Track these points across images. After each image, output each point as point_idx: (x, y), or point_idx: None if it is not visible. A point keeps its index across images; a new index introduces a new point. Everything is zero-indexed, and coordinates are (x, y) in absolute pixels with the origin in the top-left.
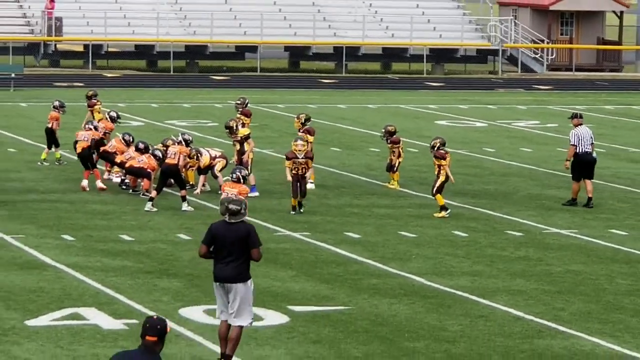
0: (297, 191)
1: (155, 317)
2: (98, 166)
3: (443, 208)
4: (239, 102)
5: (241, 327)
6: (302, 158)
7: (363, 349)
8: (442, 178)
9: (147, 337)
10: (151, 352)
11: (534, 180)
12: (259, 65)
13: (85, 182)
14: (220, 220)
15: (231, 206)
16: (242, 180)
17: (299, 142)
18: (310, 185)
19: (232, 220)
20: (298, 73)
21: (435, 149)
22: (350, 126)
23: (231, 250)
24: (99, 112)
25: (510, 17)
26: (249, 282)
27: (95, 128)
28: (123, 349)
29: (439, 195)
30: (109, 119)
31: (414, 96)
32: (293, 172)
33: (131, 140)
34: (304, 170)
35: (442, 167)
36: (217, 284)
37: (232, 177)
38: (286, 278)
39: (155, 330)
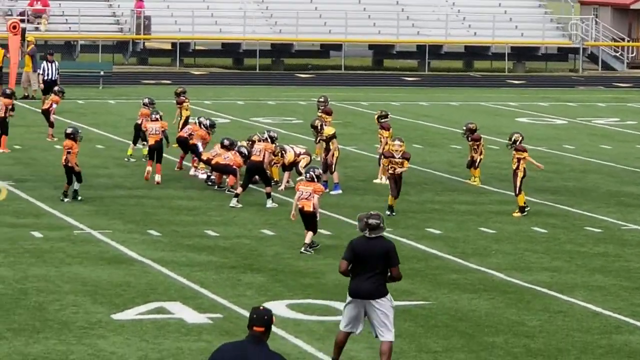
0: (395, 190)
1: (261, 307)
2: (185, 162)
3: (522, 209)
4: (320, 100)
5: (391, 342)
6: (399, 158)
7: (443, 343)
8: (520, 174)
9: (255, 328)
10: (259, 342)
11: (613, 177)
12: (343, 63)
13: (149, 169)
14: (360, 236)
15: (371, 221)
16: (315, 179)
17: (397, 142)
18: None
19: (372, 235)
20: (382, 71)
21: (518, 142)
22: (432, 123)
23: (372, 266)
24: (187, 109)
25: (591, 16)
26: (389, 295)
27: (161, 117)
28: (207, 342)
29: (521, 195)
30: (197, 124)
31: (495, 94)
32: (390, 171)
33: (229, 144)
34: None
35: (521, 162)
36: (354, 299)
37: (306, 177)
38: None
39: (262, 320)
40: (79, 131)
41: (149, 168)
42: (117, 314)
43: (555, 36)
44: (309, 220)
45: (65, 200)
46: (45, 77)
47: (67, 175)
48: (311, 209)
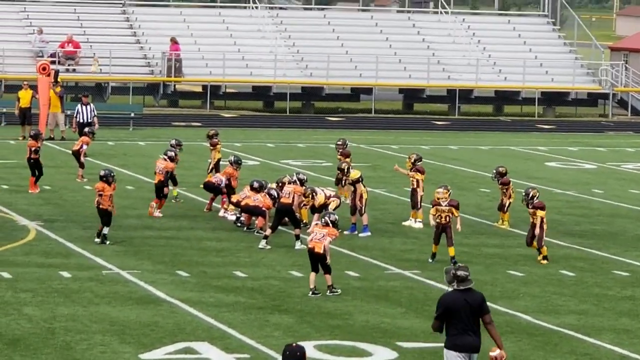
0: (438, 239)
1: (294, 344)
2: (214, 204)
3: (545, 257)
4: (339, 142)
5: None
6: (446, 206)
7: None
8: (540, 228)
9: None
10: None
11: None
12: (373, 106)
13: (157, 213)
14: (450, 291)
15: (460, 272)
16: (330, 224)
17: (441, 189)
18: (418, 225)
19: (462, 287)
20: (412, 115)
21: (536, 198)
22: (461, 167)
23: (470, 319)
24: (219, 152)
25: (621, 62)
26: None
27: (171, 159)
28: None
29: (544, 247)
30: (232, 165)
31: (525, 138)
32: (437, 220)
33: (259, 186)
34: (447, 218)
35: (542, 219)
36: (461, 353)
37: (321, 221)
38: (396, 315)
39: (295, 357)
40: (112, 173)
41: (152, 204)
42: (144, 353)
43: (585, 82)
44: (319, 261)
45: (96, 240)
46: (80, 120)
47: (100, 217)
48: (321, 251)
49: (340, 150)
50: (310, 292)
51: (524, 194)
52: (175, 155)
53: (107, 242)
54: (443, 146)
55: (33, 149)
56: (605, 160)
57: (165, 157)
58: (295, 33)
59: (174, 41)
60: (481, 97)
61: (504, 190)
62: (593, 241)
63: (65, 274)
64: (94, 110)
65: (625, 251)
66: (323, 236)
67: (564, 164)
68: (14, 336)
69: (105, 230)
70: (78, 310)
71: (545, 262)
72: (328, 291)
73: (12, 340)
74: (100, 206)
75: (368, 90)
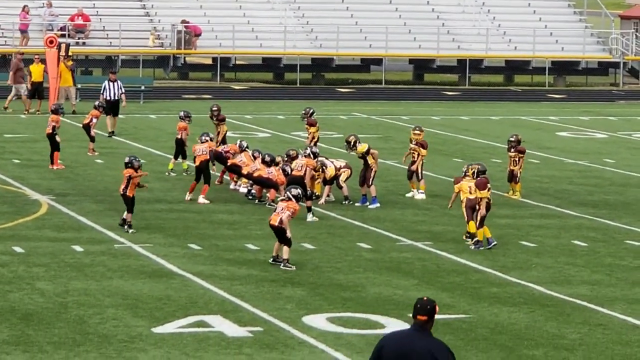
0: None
1: (425, 298)
2: (225, 177)
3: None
4: (303, 112)
5: None
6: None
7: (483, 357)
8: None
9: (419, 317)
10: (423, 330)
11: None
12: (383, 77)
13: (188, 196)
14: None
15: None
16: (293, 199)
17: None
18: (420, 196)
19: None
20: (422, 85)
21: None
22: (472, 137)
23: None
24: (225, 125)
25: (631, 30)
26: None
27: (211, 139)
28: (247, 356)
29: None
30: (237, 145)
31: (535, 108)
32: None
33: (272, 160)
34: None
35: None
36: None
37: (285, 195)
38: (408, 286)
39: (425, 310)
40: (137, 158)
41: (190, 194)
42: (157, 327)
43: (595, 50)
44: (277, 233)
45: (130, 231)
46: (107, 97)
47: (125, 204)
48: (276, 223)
49: (305, 119)
50: (271, 259)
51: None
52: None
53: (131, 231)
54: (454, 117)
55: (54, 124)
56: (616, 130)
57: (208, 138)
58: (304, 4)
59: (184, 22)
60: (491, 67)
61: (516, 159)
62: (605, 211)
63: (78, 248)
64: (121, 88)
65: (637, 220)
66: (282, 209)
67: (575, 134)
68: (27, 311)
69: (129, 217)
70: (91, 284)
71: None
72: (282, 264)
73: (26, 315)
74: (128, 193)
75: (378, 61)
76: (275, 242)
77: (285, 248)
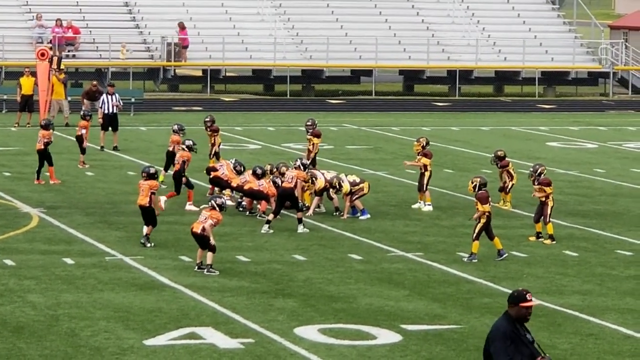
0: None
1: (521, 288)
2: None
3: (551, 237)
4: (308, 123)
5: None
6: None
7: None
8: (550, 204)
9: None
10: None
11: None
12: (373, 88)
13: (163, 200)
14: None
15: None
16: (217, 208)
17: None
18: (428, 208)
19: None
20: (412, 96)
21: (543, 175)
22: (463, 148)
23: None
24: (220, 137)
25: (621, 40)
26: None
27: (190, 148)
28: None
29: (550, 224)
30: (186, 149)
31: (525, 118)
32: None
33: (242, 169)
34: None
35: (548, 195)
36: None
37: (208, 204)
38: (399, 297)
39: (521, 296)
40: (152, 169)
41: (163, 198)
42: (149, 339)
43: (585, 60)
44: (199, 241)
45: (149, 245)
46: (105, 111)
47: (143, 217)
48: (198, 231)
49: (310, 131)
50: (196, 267)
51: (531, 169)
52: (193, 144)
53: (150, 245)
54: (444, 127)
55: (45, 140)
56: (606, 140)
57: (184, 147)
58: (294, 16)
59: (181, 26)
60: (481, 78)
61: (503, 173)
62: (596, 221)
63: (69, 261)
64: (119, 100)
65: (628, 230)
66: (205, 218)
67: (565, 144)
68: (18, 323)
69: (147, 230)
70: (82, 296)
71: (549, 241)
72: (205, 270)
73: (17, 328)
74: (144, 204)
75: (368, 72)
76: (198, 249)
77: (209, 254)
